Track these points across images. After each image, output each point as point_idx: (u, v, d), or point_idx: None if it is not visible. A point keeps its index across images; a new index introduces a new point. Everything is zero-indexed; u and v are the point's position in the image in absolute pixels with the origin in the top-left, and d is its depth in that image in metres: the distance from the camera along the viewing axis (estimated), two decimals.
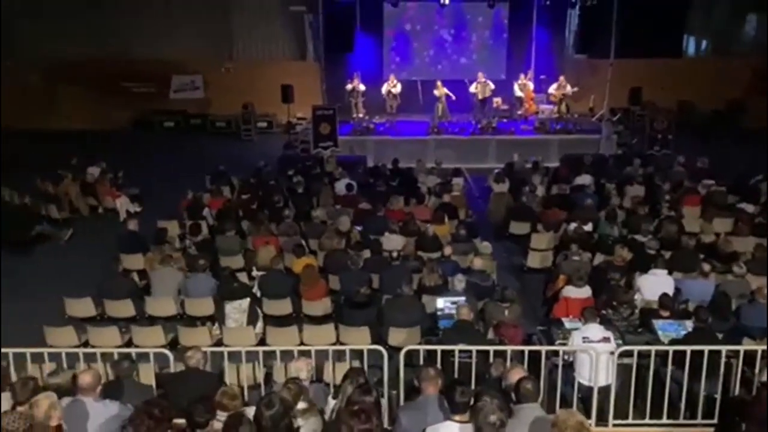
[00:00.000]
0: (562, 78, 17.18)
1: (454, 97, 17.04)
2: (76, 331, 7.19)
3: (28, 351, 5.89)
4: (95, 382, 4.51)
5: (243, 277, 8.59)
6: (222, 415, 4.03)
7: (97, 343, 7.02)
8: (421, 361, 5.89)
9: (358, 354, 6.18)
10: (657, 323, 6.62)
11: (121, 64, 20.52)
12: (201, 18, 20.82)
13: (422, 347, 6.14)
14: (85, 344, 7.12)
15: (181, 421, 4.04)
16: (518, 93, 17.59)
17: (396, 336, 6.89)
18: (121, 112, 20.54)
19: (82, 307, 7.83)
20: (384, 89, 17.03)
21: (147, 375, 5.83)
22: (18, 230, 10.90)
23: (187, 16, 20.72)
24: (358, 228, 9.76)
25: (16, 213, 11.25)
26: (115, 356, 5.77)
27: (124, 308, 7.83)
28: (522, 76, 17.63)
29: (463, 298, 6.88)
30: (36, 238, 11.07)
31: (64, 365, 5.84)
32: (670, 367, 5.97)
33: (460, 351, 5.83)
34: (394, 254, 8.83)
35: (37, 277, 9.75)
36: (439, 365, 5.39)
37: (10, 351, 5.80)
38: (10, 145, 16.47)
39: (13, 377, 5.45)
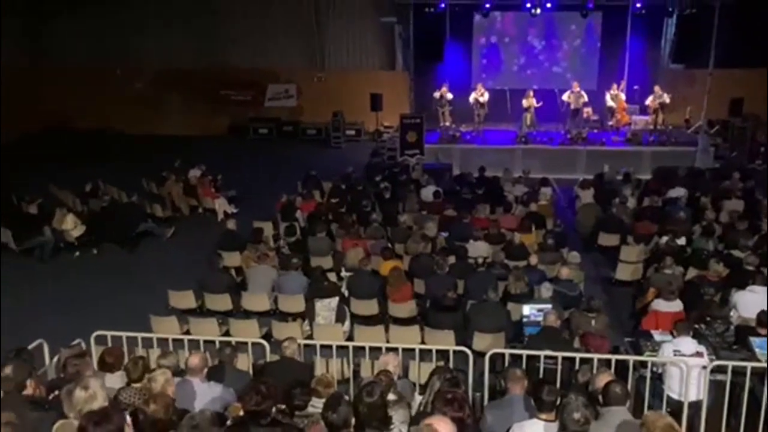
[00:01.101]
0: (657, 87, 16.68)
1: (540, 105, 16.87)
2: (179, 321, 7.68)
3: (139, 335, 6.41)
4: (203, 364, 4.88)
5: (332, 276, 8.87)
6: (317, 402, 4.27)
7: (198, 333, 7.42)
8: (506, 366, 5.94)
9: (443, 356, 6.31)
10: (754, 341, 6.38)
11: (220, 74, 21.57)
12: (295, 29, 21.59)
13: (507, 350, 6.19)
14: (187, 333, 7.58)
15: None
16: (610, 103, 17.21)
17: (481, 341, 6.97)
18: (220, 119, 21.58)
19: (183, 299, 8.36)
20: (471, 98, 17.10)
21: (244, 364, 6.17)
22: (125, 227, 11.65)
23: (282, 27, 21.56)
24: (444, 234, 9.88)
25: (123, 211, 12.04)
26: (217, 344, 6.17)
27: (222, 302, 8.30)
28: (614, 86, 17.25)
29: (549, 306, 6.88)
30: (141, 235, 11.80)
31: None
32: (766, 386, 5.76)
33: (546, 357, 5.85)
34: (480, 261, 8.90)
35: (142, 271, 10.46)
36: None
37: (123, 335, 6.32)
38: (121, 148, 17.70)
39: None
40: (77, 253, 11.07)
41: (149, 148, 18.20)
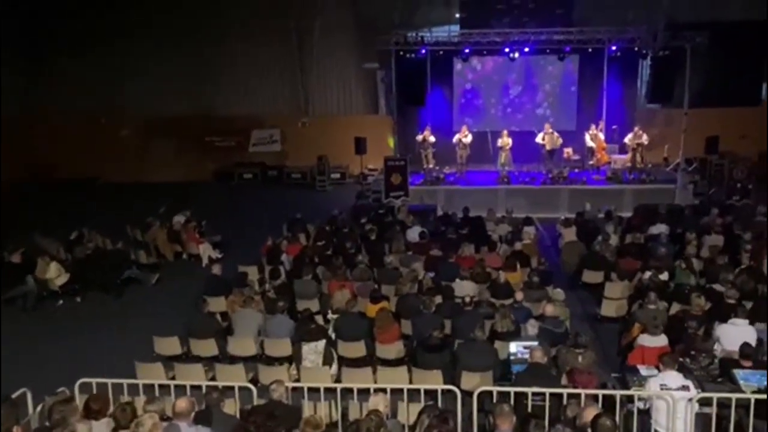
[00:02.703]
0: (637, 128, 17.15)
1: (510, 146, 17.22)
2: (165, 367, 7.58)
3: (124, 382, 6.34)
4: (190, 408, 4.85)
5: (319, 319, 8.84)
6: None
7: (183, 379, 7.36)
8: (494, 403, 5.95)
9: (431, 396, 6.30)
10: (738, 373, 6.46)
11: (206, 120, 21.87)
12: (279, 76, 22.09)
13: (495, 388, 6.20)
14: (172, 380, 7.50)
15: None
16: (589, 143, 17.62)
17: (469, 380, 6.97)
18: (205, 165, 21.77)
19: (169, 345, 8.29)
20: (455, 138, 17.43)
21: (231, 409, 6.09)
22: (110, 274, 11.60)
23: (267, 74, 22.06)
24: (430, 274, 9.94)
25: (108, 258, 11.98)
26: (204, 389, 6.12)
27: (208, 347, 8.23)
28: (593, 126, 17.68)
29: (536, 343, 6.92)
30: (126, 282, 11.74)
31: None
32: (752, 418, 5.81)
33: (534, 394, 5.87)
34: (466, 300, 8.94)
35: (127, 318, 10.37)
36: None
37: (108, 381, 6.26)
38: (107, 196, 17.71)
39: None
40: (61, 302, 10.99)
41: (135, 195, 18.26)
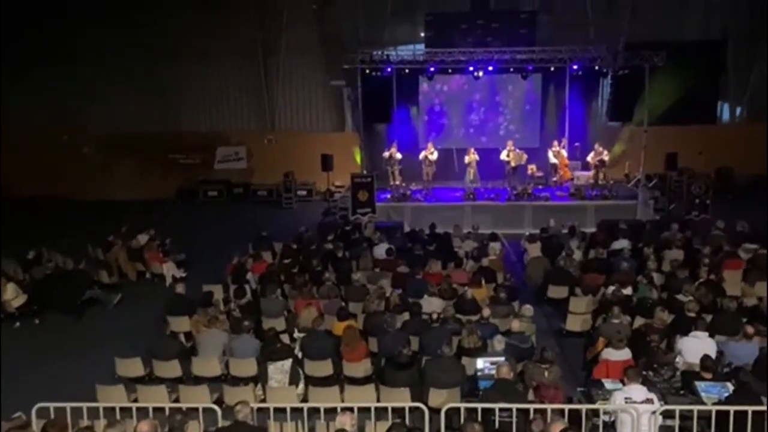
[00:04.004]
0: (597, 144, 17.46)
1: (478, 160, 17.43)
2: (126, 390, 7.42)
3: (84, 405, 6.17)
4: (153, 431, 4.73)
5: (285, 338, 8.79)
6: None
7: (146, 402, 7.20)
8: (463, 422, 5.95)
9: (399, 414, 6.28)
10: (700, 385, 6.59)
11: (169, 137, 21.63)
12: (245, 93, 22.01)
13: (463, 405, 6.21)
14: (134, 402, 7.33)
15: None
16: (552, 160, 17.93)
17: (436, 397, 6.97)
18: (169, 183, 21.47)
19: (131, 366, 8.11)
20: (422, 155, 17.54)
21: (195, 431, 6.01)
22: (70, 295, 11.32)
23: (232, 91, 21.97)
24: (397, 291, 9.94)
25: (68, 278, 11.70)
26: (167, 412, 5.99)
27: (172, 368, 8.08)
28: (555, 143, 18.00)
29: (502, 359, 6.96)
30: (87, 303, 11.46)
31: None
32: (713, 429, 5.92)
33: (501, 410, 5.89)
34: (434, 316, 8.96)
35: (88, 339, 10.13)
36: None
37: (67, 405, 6.08)
38: (68, 214, 17.35)
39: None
40: (18, 324, 10.67)
41: (97, 213, 17.91)
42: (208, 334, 8.55)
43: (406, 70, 17.90)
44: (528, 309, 8.86)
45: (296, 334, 8.84)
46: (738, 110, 21.33)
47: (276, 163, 20.81)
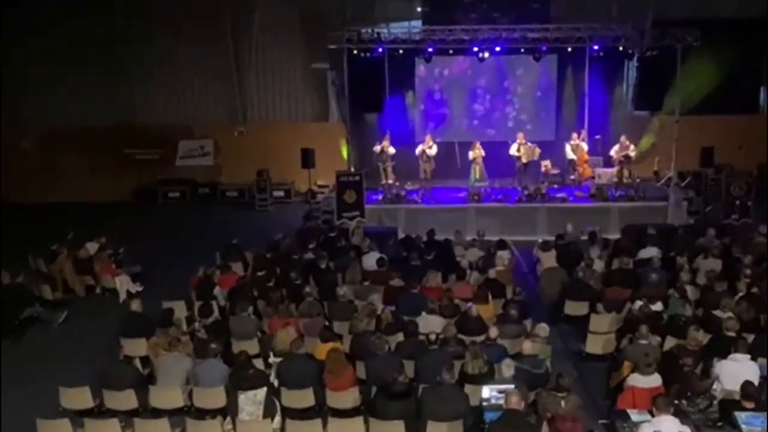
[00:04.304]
0: (623, 137, 17.52)
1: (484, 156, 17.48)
2: (72, 425, 7.36)
3: None
4: None
5: (259, 363, 8.76)
6: None
7: None
8: None
9: None
10: (740, 416, 6.61)
11: (124, 130, 21.54)
12: (211, 77, 21.95)
13: None
14: None
15: None
16: (570, 155, 17.97)
17: (435, 431, 6.96)
18: (124, 182, 21.41)
19: (78, 397, 8.05)
20: (418, 150, 17.58)
21: None
22: (7, 314, 11.25)
23: (197, 76, 21.89)
24: (390, 308, 9.94)
25: (5, 295, 11.61)
26: None
27: (126, 399, 8.03)
28: (575, 135, 18.05)
29: (512, 386, 6.96)
30: (27, 322, 11.41)
31: None
32: None
33: None
34: (432, 337, 8.96)
35: (28, 365, 10.05)
36: None
37: None
38: (5, 220, 17.23)
39: None
40: None
41: (39, 218, 17.84)
42: (169, 359, 8.50)
43: (400, 51, 17.94)
44: (542, 328, 8.87)
45: (271, 359, 8.83)
46: None
47: (248, 158, 20.78)
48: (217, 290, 11.08)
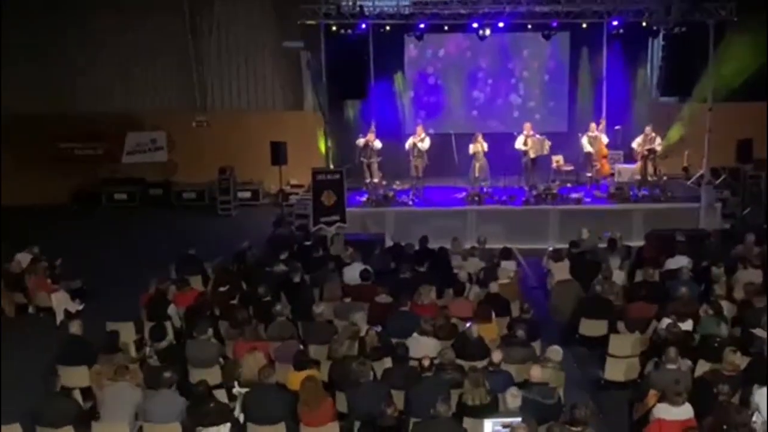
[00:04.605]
0: (648, 128, 17.53)
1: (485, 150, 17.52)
2: None
3: None
4: None
5: (221, 395, 8.74)
6: None
7: None
8: None
9: None
10: None
11: (61, 121, 21.43)
12: (165, 59, 21.90)
13: None
14: None
15: None
16: (587, 148, 17.89)
17: None
18: (60, 182, 21.29)
19: None
20: (408, 144, 17.57)
21: None
22: None
23: (148, 58, 21.81)
24: (376, 328, 9.94)
25: None
26: None
27: None
28: (593, 126, 17.99)
29: (518, 419, 6.97)
30: None
31: None
32: None
33: None
34: (425, 363, 8.95)
35: None
36: None
37: None
38: None
39: None
40: None
41: None
42: (115, 391, 8.45)
43: (387, 28, 17.96)
44: (554, 351, 8.89)
45: (236, 390, 8.80)
46: None
47: (209, 154, 20.79)
48: (171, 309, 11.06)
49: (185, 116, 21.85)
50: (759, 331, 9.16)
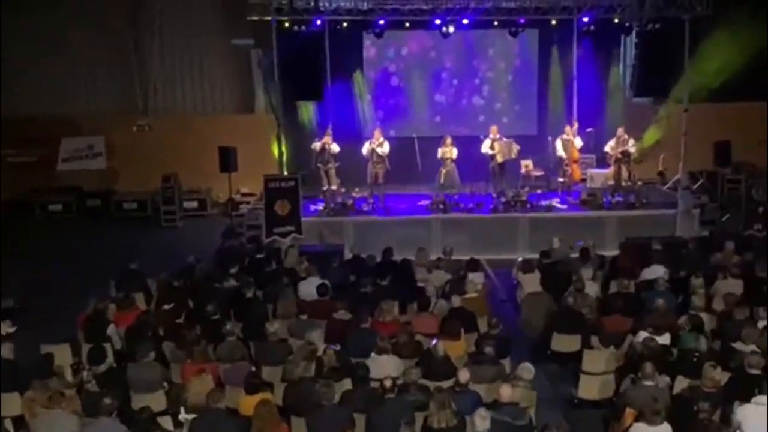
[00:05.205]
0: (621, 130, 17.65)
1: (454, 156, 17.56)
2: None
3: None
4: None
5: (166, 422, 8.69)
6: None
7: None
8: None
9: None
10: None
11: None
12: (104, 59, 21.68)
13: None
14: None
15: None
16: (560, 152, 18.03)
17: None
18: None
19: None
20: (365, 149, 17.51)
21: None
22: None
23: (85, 57, 21.60)
24: (334, 347, 9.91)
25: None
26: None
27: None
28: (568, 128, 18.14)
29: None
30: None
31: None
32: None
33: None
34: (387, 384, 8.95)
35: None
36: None
37: None
38: None
39: None
40: None
41: None
42: (49, 419, 8.36)
43: (344, 24, 17.97)
44: (525, 369, 8.93)
45: (182, 416, 8.72)
46: None
47: (151, 161, 20.63)
48: (111, 329, 10.93)
49: (125, 120, 21.64)
50: (740, 345, 9.28)
